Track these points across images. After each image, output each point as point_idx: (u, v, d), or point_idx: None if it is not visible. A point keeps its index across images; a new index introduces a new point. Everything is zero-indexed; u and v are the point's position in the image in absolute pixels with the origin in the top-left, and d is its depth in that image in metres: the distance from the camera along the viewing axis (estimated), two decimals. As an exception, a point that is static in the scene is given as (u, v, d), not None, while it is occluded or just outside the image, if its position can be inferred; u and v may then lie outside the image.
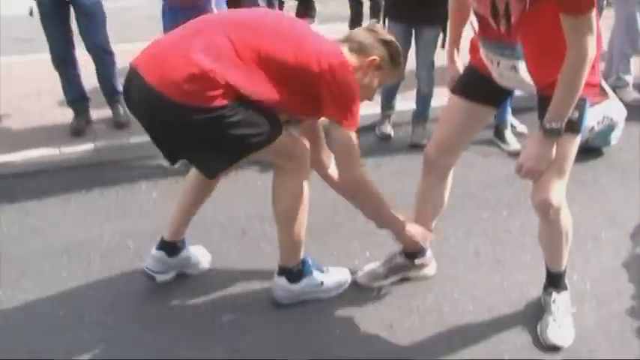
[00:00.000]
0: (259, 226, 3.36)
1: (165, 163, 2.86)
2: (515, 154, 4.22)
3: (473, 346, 2.56)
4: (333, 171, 2.80)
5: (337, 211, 3.51)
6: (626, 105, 4.41)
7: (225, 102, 2.27)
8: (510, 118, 4.53)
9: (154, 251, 2.85)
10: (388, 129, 4.53)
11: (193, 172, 2.80)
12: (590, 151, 4.23)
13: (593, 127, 4.15)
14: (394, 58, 2.58)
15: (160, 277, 2.87)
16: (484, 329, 2.66)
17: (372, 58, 2.52)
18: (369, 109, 4.73)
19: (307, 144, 2.63)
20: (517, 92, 2.74)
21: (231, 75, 2.27)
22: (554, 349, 2.54)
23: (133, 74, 2.38)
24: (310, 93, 2.40)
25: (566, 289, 2.69)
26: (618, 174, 4.06)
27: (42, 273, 3.03)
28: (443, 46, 4.21)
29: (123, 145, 4.34)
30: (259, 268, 3.03)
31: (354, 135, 2.46)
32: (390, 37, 2.58)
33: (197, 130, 2.32)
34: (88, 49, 4.34)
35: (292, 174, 2.58)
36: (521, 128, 4.61)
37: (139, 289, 2.89)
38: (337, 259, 3.11)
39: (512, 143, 4.35)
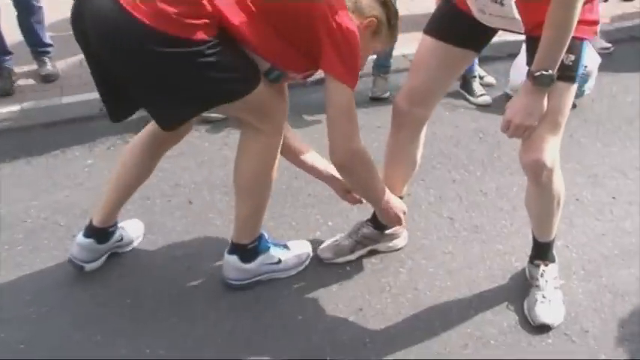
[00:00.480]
0: (208, 195, 2.99)
1: (103, 122, 2.43)
2: (483, 106, 3.93)
3: (454, 329, 2.27)
4: (302, 154, 2.54)
5: (295, 174, 3.15)
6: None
7: (205, 36, 1.90)
8: (477, 68, 4.20)
9: (80, 239, 2.45)
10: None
11: (137, 141, 2.40)
12: None
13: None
14: (392, 20, 2.19)
15: (89, 266, 2.48)
16: (465, 309, 2.36)
17: (370, 19, 2.12)
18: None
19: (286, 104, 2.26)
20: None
21: (219, 3, 1.92)
22: (544, 328, 2.26)
23: None
24: (307, 39, 2.01)
25: (554, 260, 2.40)
26: (593, 127, 3.78)
27: (-46, 257, 2.62)
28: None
29: (53, 106, 3.88)
30: (208, 244, 2.67)
31: (352, 94, 2.08)
32: None
33: (166, 66, 1.92)
34: None
35: (264, 137, 2.20)
36: (489, 79, 4.30)
37: (69, 275, 2.49)
38: (296, 231, 2.77)
39: (480, 95, 4.02)
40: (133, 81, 2.03)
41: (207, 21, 1.90)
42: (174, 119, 2.11)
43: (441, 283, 2.48)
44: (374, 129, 3.62)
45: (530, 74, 1.90)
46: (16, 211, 2.91)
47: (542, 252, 2.37)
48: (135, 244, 2.66)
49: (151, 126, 2.37)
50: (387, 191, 2.32)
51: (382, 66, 4.08)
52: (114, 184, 2.43)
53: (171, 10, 1.86)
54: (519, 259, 2.60)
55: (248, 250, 2.38)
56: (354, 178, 2.26)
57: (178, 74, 1.95)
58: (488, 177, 3.20)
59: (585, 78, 3.86)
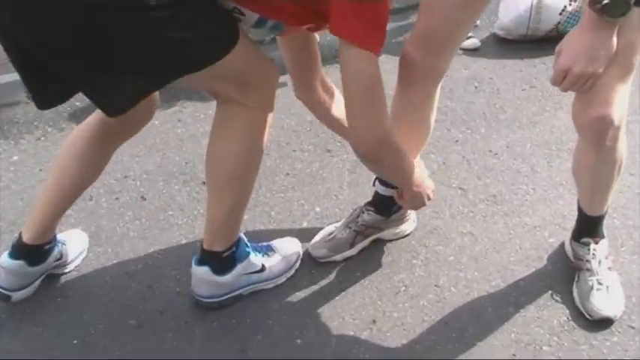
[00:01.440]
0: (164, 187, 2.44)
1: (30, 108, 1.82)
2: (471, 50, 3.42)
3: (494, 335, 1.79)
4: (337, 111, 2.04)
5: (267, 150, 2.60)
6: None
7: None
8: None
9: (5, 260, 1.87)
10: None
11: (79, 135, 1.84)
12: (556, 41, 3.43)
13: (564, 7, 3.37)
14: None
15: (18, 295, 1.91)
16: (502, 306, 1.88)
17: None
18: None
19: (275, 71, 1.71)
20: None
21: None
22: (606, 323, 1.80)
23: None
24: None
25: (604, 236, 1.93)
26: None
27: None
28: None
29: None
30: (170, 251, 2.14)
31: (377, 65, 1.54)
32: None
33: (109, 29, 1.39)
34: None
35: (248, 113, 1.67)
36: (472, 18, 3.76)
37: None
38: (277, 223, 2.25)
39: (467, 38, 3.50)
40: (58, 53, 1.46)
41: None
42: (121, 102, 1.53)
43: (466, 274, 1.99)
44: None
45: (593, 2, 1.37)
46: None
47: (591, 227, 1.90)
48: (78, 261, 2.11)
49: (92, 116, 1.82)
50: (416, 167, 1.81)
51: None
52: (50, 192, 1.87)
53: None
54: (553, 233, 2.14)
55: (223, 259, 1.85)
56: (383, 169, 1.75)
57: (117, 38, 1.41)
58: (495, 133, 2.71)
59: (587, 7, 3.37)
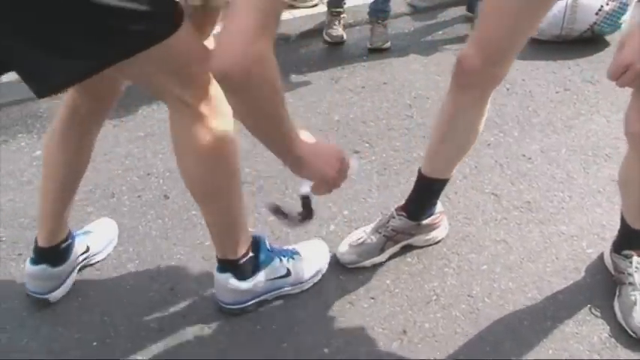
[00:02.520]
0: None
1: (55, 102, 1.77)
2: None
3: (533, 350, 1.71)
4: None
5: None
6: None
7: None
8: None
9: (30, 268, 1.84)
10: (339, 31, 3.52)
11: (56, 125, 1.75)
12: (591, 42, 3.35)
13: (601, 7, 3.26)
14: None
15: (54, 296, 1.88)
16: (539, 319, 1.80)
17: None
18: (313, 9, 3.74)
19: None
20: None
21: None
22: (648, 340, 1.71)
23: None
24: None
25: (648, 249, 1.84)
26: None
27: None
28: None
29: (-9, 86, 3.22)
30: (194, 252, 2.07)
31: None
32: None
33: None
34: None
35: (196, 111, 1.50)
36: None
37: (11, 313, 1.89)
38: (303, 225, 2.17)
39: None
40: None
41: None
42: (53, 86, 1.40)
43: (500, 285, 1.91)
44: (379, 86, 3.03)
45: None
46: (-54, 224, 2.29)
47: (634, 240, 1.81)
48: (110, 248, 2.08)
49: (67, 98, 1.72)
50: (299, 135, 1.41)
51: (380, 11, 3.45)
52: (46, 188, 1.81)
53: None
54: (591, 243, 2.05)
55: (242, 266, 1.78)
56: (250, 103, 1.25)
57: (43, 12, 1.26)
58: (528, 137, 2.62)
59: (625, 7, 3.27)
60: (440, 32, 3.57)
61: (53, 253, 1.84)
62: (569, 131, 2.65)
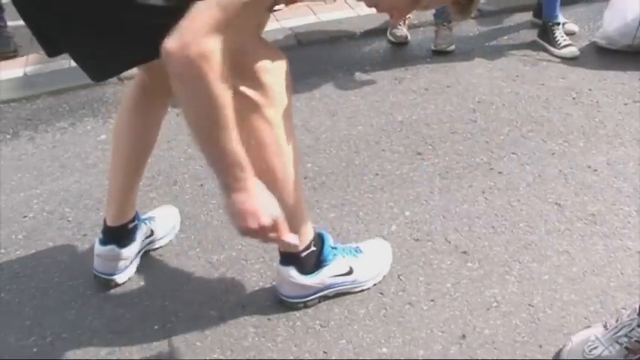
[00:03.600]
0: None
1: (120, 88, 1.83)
2: (569, 59, 3.26)
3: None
4: None
5: (355, 147, 2.57)
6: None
7: None
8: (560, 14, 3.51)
9: (98, 248, 1.90)
10: (404, 32, 3.51)
11: (125, 102, 1.82)
12: (635, 56, 3.25)
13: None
14: None
15: (121, 277, 1.94)
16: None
17: None
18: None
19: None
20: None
21: None
22: None
23: None
24: None
25: None
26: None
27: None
28: None
29: (60, 71, 3.32)
30: (254, 244, 2.09)
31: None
32: None
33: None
34: None
35: (251, 103, 1.51)
36: (571, 26, 3.60)
37: (77, 291, 1.95)
38: (365, 224, 2.18)
39: (565, 45, 3.34)
40: (49, 17, 1.43)
41: None
42: (108, 72, 1.51)
43: (562, 296, 1.88)
44: (443, 89, 3.01)
45: None
46: (16, 203, 2.37)
47: None
48: (171, 235, 2.13)
49: (137, 75, 1.78)
50: (248, 167, 1.36)
51: (445, 13, 3.42)
52: (114, 167, 1.86)
53: None
54: (660, 260, 2.00)
55: (305, 258, 1.79)
56: (186, 93, 1.27)
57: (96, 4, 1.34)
58: (594, 148, 2.56)
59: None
60: (505, 37, 3.53)
61: (121, 233, 1.89)
62: (638, 144, 2.59)
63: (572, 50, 3.31)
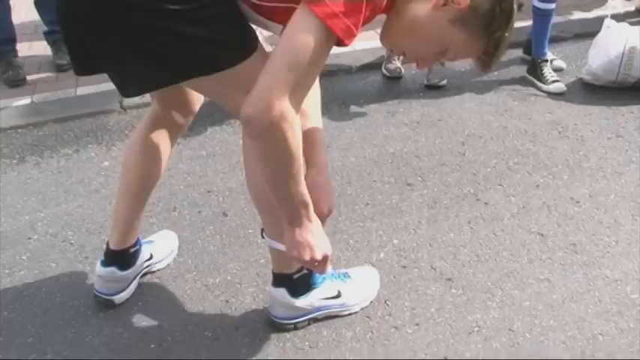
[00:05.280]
0: (245, 205, 2.50)
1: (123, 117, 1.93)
2: (557, 95, 3.38)
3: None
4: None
5: (348, 178, 2.67)
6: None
7: None
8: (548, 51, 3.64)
9: (100, 269, 1.99)
10: (398, 66, 3.63)
11: (136, 133, 1.92)
12: (620, 92, 3.37)
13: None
14: (497, 18, 1.38)
15: (119, 297, 2.03)
16: (576, 357, 1.85)
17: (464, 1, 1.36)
18: (373, 42, 3.84)
19: None
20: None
21: None
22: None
23: None
24: None
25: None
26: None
27: (-55, 284, 2.17)
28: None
29: (67, 99, 3.43)
30: (248, 268, 2.19)
31: (325, 43, 1.31)
32: None
33: (132, 13, 1.41)
34: None
35: None
36: (558, 62, 3.73)
37: (77, 310, 2.03)
38: (354, 251, 2.28)
39: (553, 81, 3.46)
40: (86, 31, 1.51)
41: None
42: (134, 87, 1.56)
43: (541, 322, 1.97)
44: (434, 122, 3.13)
45: None
46: (21, 225, 2.46)
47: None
48: (170, 259, 2.22)
49: (150, 110, 1.89)
50: (311, 207, 1.54)
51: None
52: (121, 194, 1.96)
53: None
54: (635, 288, 2.09)
55: (297, 281, 1.88)
56: (265, 153, 1.41)
57: (132, 22, 1.42)
58: (577, 181, 2.67)
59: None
60: (495, 73, 3.65)
61: (122, 257, 1.98)
62: (619, 177, 2.69)
63: (559, 86, 3.43)
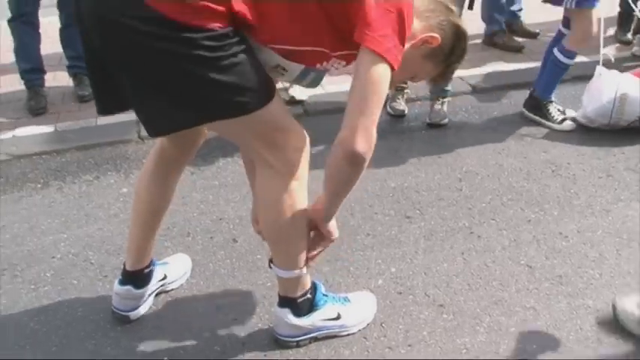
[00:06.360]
0: (254, 233, 2.66)
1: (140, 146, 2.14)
2: (556, 134, 3.54)
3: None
4: None
5: (350, 210, 2.84)
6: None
7: (206, 24, 1.58)
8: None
9: (117, 287, 2.18)
10: (402, 105, 3.83)
11: (145, 166, 2.12)
12: (612, 133, 3.53)
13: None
14: (455, 54, 1.87)
15: (135, 314, 2.22)
16: (557, 380, 2.01)
17: (434, 35, 1.78)
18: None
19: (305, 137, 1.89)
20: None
21: None
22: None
23: None
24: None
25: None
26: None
27: (-25, 297, 2.36)
28: (470, 6, 3.52)
29: (88, 128, 3.64)
30: (256, 291, 2.37)
31: (388, 78, 1.68)
32: (463, 26, 1.87)
33: (148, 51, 1.60)
34: (60, 7, 3.80)
35: (278, 177, 1.84)
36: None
37: (97, 324, 2.21)
38: (354, 278, 2.45)
39: (563, 120, 3.61)
40: (118, 68, 1.70)
41: (211, 5, 1.57)
42: (159, 126, 1.76)
43: (525, 346, 2.13)
44: (434, 159, 3.32)
45: None
46: (46, 244, 2.66)
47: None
48: (182, 280, 2.40)
49: (157, 142, 2.08)
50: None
51: (440, 90, 3.74)
52: (134, 220, 2.15)
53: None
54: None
55: (300, 303, 2.06)
56: (357, 176, 1.78)
57: (163, 65, 1.61)
58: (567, 217, 2.84)
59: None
60: (495, 113, 3.83)
61: (138, 277, 2.17)
62: (607, 215, 2.85)
63: (569, 124, 3.58)
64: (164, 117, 1.71)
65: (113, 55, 1.67)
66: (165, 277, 2.32)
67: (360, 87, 1.67)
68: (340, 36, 1.70)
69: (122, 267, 2.20)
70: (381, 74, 1.66)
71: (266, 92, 1.73)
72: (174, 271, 2.37)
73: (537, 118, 3.68)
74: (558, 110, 3.68)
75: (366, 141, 1.68)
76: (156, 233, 2.20)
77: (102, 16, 1.62)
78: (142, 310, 2.23)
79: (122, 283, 2.18)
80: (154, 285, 2.26)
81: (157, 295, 2.31)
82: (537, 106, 3.69)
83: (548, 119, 3.63)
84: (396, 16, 1.65)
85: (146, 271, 2.21)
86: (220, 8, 1.58)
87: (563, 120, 3.61)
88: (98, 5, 1.62)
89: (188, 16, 1.56)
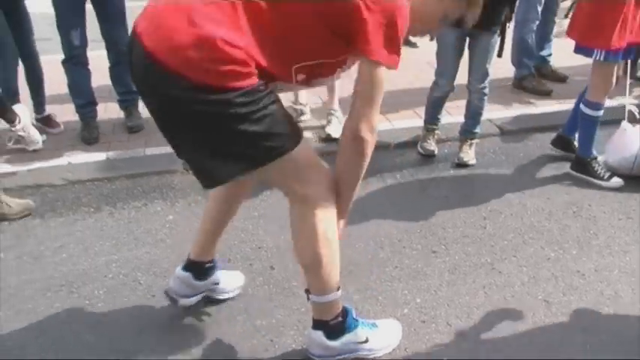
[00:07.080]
0: (290, 262, 2.87)
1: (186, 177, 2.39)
2: (578, 180, 3.70)
3: None
4: None
5: (380, 243, 3.04)
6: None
7: (236, 84, 1.80)
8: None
9: (179, 271, 2.45)
10: (432, 146, 4.03)
11: (212, 195, 2.42)
12: (635, 180, 3.66)
13: (640, 154, 3.60)
14: None
15: (184, 301, 2.49)
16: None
17: None
18: (411, 121, 4.28)
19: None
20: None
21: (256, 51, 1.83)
22: None
23: (134, 40, 1.89)
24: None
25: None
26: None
27: (36, 310, 2.59)
28: (500, 54, 3.73)
29: (137, 158, 3.90)
30: (291, 315, 2.57)
31: (384, 77, 1.92)
32: None
33: (192, 116, 1.84)
34: (108, 48, 4.09)
35: (310, 205, 2.06)
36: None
37: (146, 340, 2.43)
38: (382, 306, 2.64)
39: (609, 177, 3.64)
40: (169, 132, 1.98)
41: (238, 68, 1.79)
42: (210, 179, 1.99)
43: (539, 376, 2.30)
44: (461, 197, 3.50)
45: None
46: (99, 265, 2.89)
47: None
48: (232, 294, 2.64)
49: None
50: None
51: (469, 131, 3.94)
52: (205, 215, 2.44)
53: (195, 55, 1.76)
54: (629, 352, 2.40)
55: (333, 327, 2.26)
56: (364, 164, 2.04)
57: (206, 126, 1.85)
58: (585, 256, 3.00)
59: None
60: (521, 154, 4.01)
61: (199, 268, 2.45)
62: (625, 255, 3.00)
63: (618, 181, 3.61)
64: (213, 170, 1.94)
65: (160, 118, 1.95)
66: (218, 284, 2.56)
67: (364, 90, 1.92)
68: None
69: (187, 256, 2.47)
70: (381, 76, 1.90)
71: (296, 135, 1.98)
72: (228, 282, 2.61)
73: (584, 176, 3.69)
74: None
75: (368, 128, 1.94)
76: (222, 233, 2.47)
77: (153, 85, 1.87)
78: (190, 301, 2.49)
79: (185, 269, 2.44)
80: (209, 282, 2.51)
81: (202, 308, 2.54)
82: (582, 163, 3.71)
83: (595, 177, 3.65)
84: (389, 26, 1.83)
85: (207, 265, 2.48)
86: (246, 70, 1.80)
87: (610, 177, 3.64)
88: (141, 80, 1.91)
89: (221, 80, 1.78)
